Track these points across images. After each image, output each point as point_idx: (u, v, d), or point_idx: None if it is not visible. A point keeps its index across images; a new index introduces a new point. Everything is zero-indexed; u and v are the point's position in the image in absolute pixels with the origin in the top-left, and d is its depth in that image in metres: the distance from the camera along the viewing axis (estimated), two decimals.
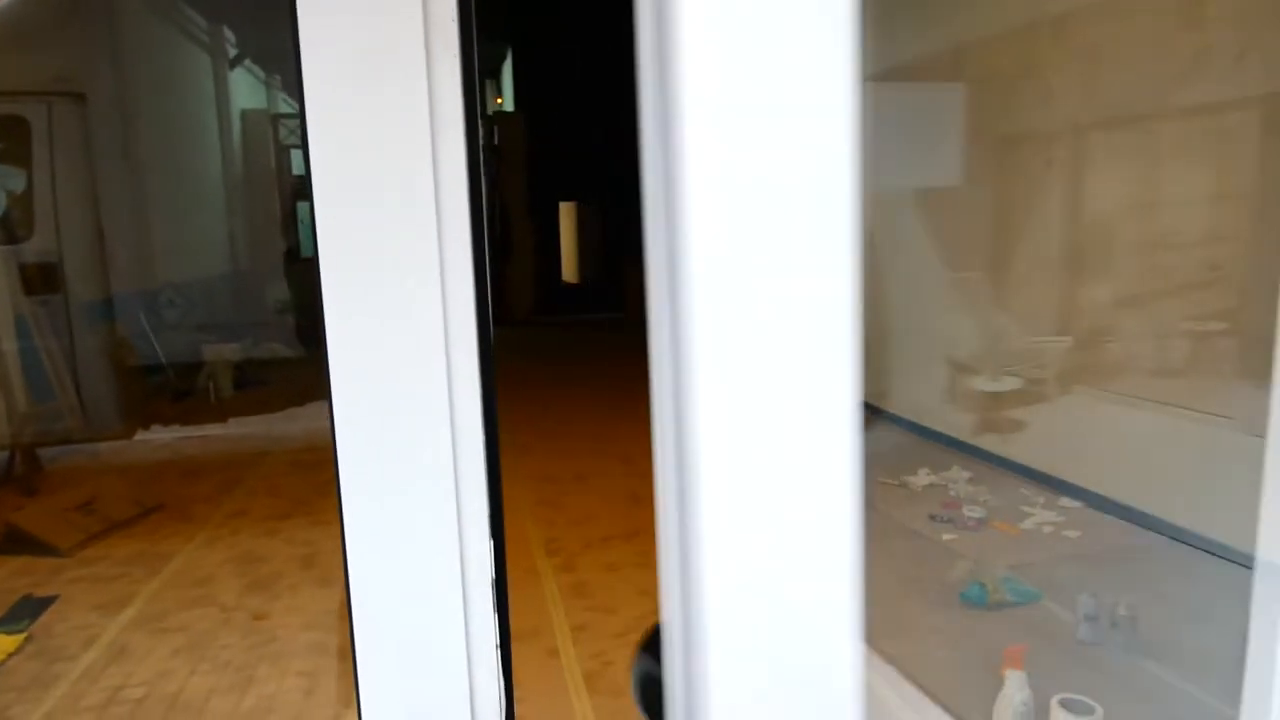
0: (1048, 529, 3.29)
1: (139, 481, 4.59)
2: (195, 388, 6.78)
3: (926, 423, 4.99)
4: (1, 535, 3.59)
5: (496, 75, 13.76)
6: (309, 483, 4.44)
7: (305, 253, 12.15)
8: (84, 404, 5.71)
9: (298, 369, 8.05)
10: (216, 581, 3.22)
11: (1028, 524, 3.33)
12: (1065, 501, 3.58)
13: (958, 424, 4.66)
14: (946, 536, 3.24)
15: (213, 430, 5.83)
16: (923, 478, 3.96)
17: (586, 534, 3.58)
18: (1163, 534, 3.21)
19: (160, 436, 5.60)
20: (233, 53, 10.27)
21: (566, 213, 12.89)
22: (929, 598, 2.83)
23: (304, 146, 1.01)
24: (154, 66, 7.76)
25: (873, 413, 5.49)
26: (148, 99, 7.46)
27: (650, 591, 2.98)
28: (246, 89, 11.70)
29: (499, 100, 13.72)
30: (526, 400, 6.50)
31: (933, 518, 3.44)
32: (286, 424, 5.90)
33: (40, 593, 3.20)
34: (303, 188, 11.63)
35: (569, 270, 13.56)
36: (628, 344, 9.53)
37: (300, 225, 12.37)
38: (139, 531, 3.79)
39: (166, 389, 7.03)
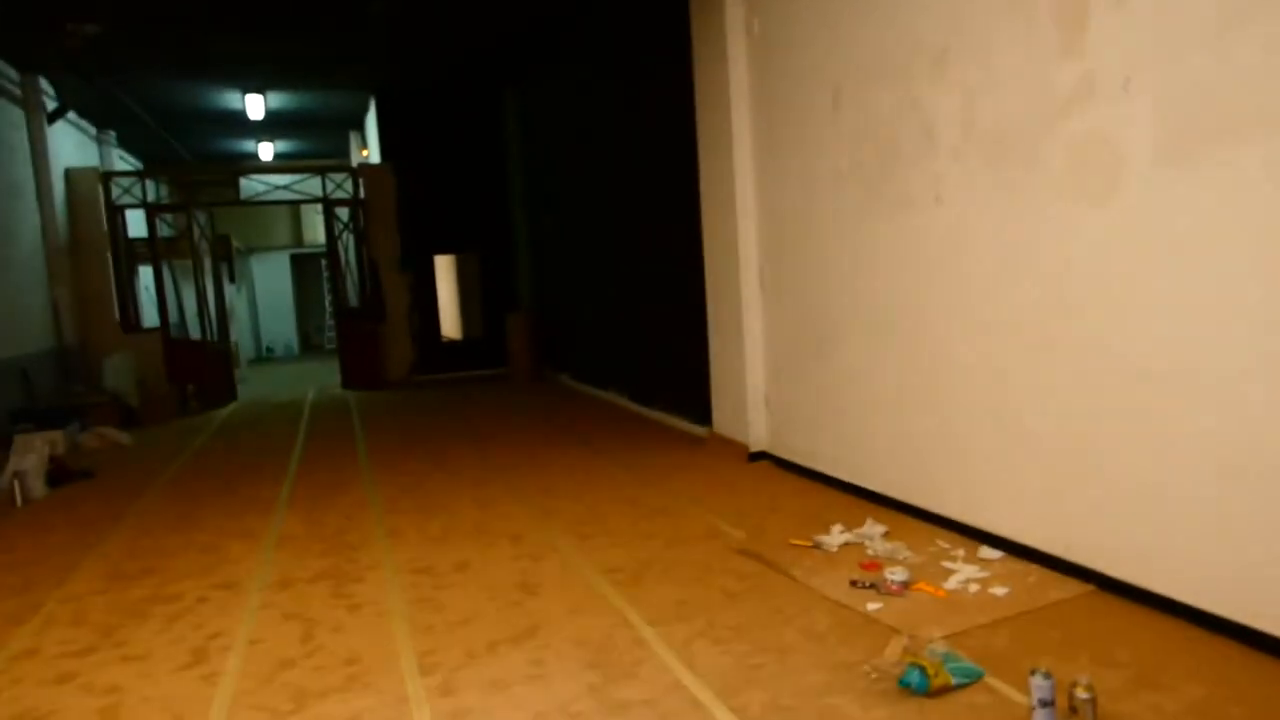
0: (974, 587, 3.03)
1: None
2: (2, 486, 5.73)
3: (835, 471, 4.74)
4: None
5: (360, 125, 13.11)
6: (121, 603, 3.67)
7: (148, 321, 10.98)
8: None
9: (131, 456, 7.04)
10: None
11: (952, 582, 3.07)
12: (985, 551, 3.36)
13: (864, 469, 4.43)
14: (871, 606, 2.92)
15: (15, 538, 4.86)
16: (837, 536, 3.67)
17: (470, 640, 3.04)
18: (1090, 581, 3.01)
19: None
20: (51, 106, 9.19)
21: (442, 266, 12.28)
22: (866, 687, 2.48)
23: None
24: None
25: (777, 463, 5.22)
26: None
27: (547, 716, 2.50)
28: (72, 146, 10.54)
29: (364, 152, 13.05)
30: (400, 474, 5.86)
31: (854, 584, 3.12)
32: (109, 525, 5.01)
33: None
34: (142, 251, 10.51)
35: (448, 326, 12.88)
36: (511, 401, 8.99)
37: (144, 291, 11.18)
38: None
39: None
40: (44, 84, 9.03)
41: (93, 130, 11.61)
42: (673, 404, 7.08)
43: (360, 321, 11.15)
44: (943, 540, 3.57)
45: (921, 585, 3.04)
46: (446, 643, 3.08)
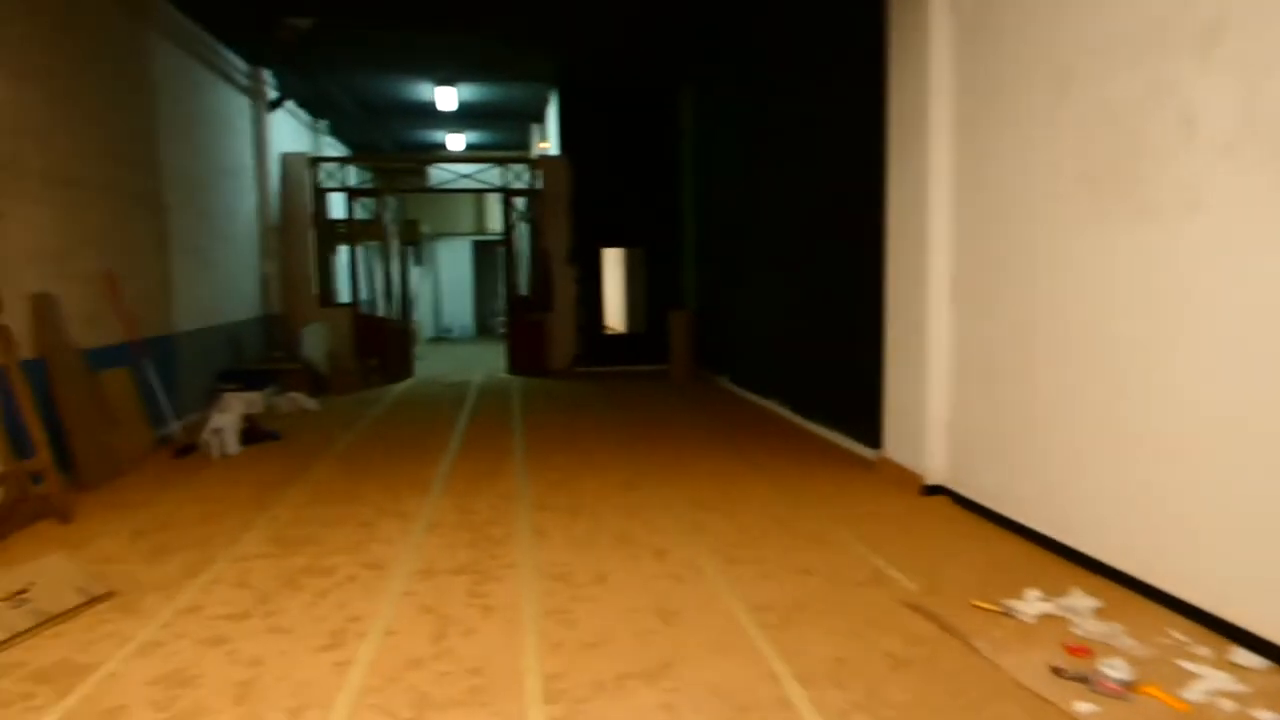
0: (1227, 704, 2.38)
1: (101, 557, 4.01)
2: (200, 442, 6.27)
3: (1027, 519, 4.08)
4: None
5: (542, 118, 13.44)
6: (281, 570, 3.80)
7: (340, 298, 11.86)
8: (75, 460, 5.22)
9: (314, 422, 7.53)
10: (125, 717, 2.55)
11: (1196, 692, 2.43)
12: (1241, 655, 2.66)
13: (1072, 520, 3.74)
14: (1082, 707, 2.37)
15: (205, 491, 5.25)
16: (1034, 604, 3.08)
17: (599, 667, 2.82)
18: None
19: (140, 497, 5.05)
20: (273, 96, 10.07)
21: (609, 260, 12.33)
22: None
23: None
24: (190, 107, 7.52)
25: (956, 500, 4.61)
26: (178, 139, 7.19)
27: None
28: (289, 133, 11.55)
29: (544, 144, 13.37)
30: (550, 468, 5.80)
31: (1057, 672, 2.57)
32: (283, 489, 5.30)
33: None
34: (341, 232, 11.35)
35: (612, 319, 12.95)
36: (667, 401, 8.78)
37: (339, 270, 12.10)
38: (73, 629, 3.18)
39: (171, 442, 6.55)
40: (267, 76, 9.90)
41: (308, 119, 12.68)
42: (838, 420, 6.56)
43: (529, 310, 11.41)
44: (1178, 631, 2.89)
45: (1150, 689, 2.44)
46: (575, 666, 2.86)
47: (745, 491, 5.16)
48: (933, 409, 4.89)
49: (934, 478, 4.90)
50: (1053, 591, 3.22)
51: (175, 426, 6.69)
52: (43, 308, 5.15)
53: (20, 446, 4.58)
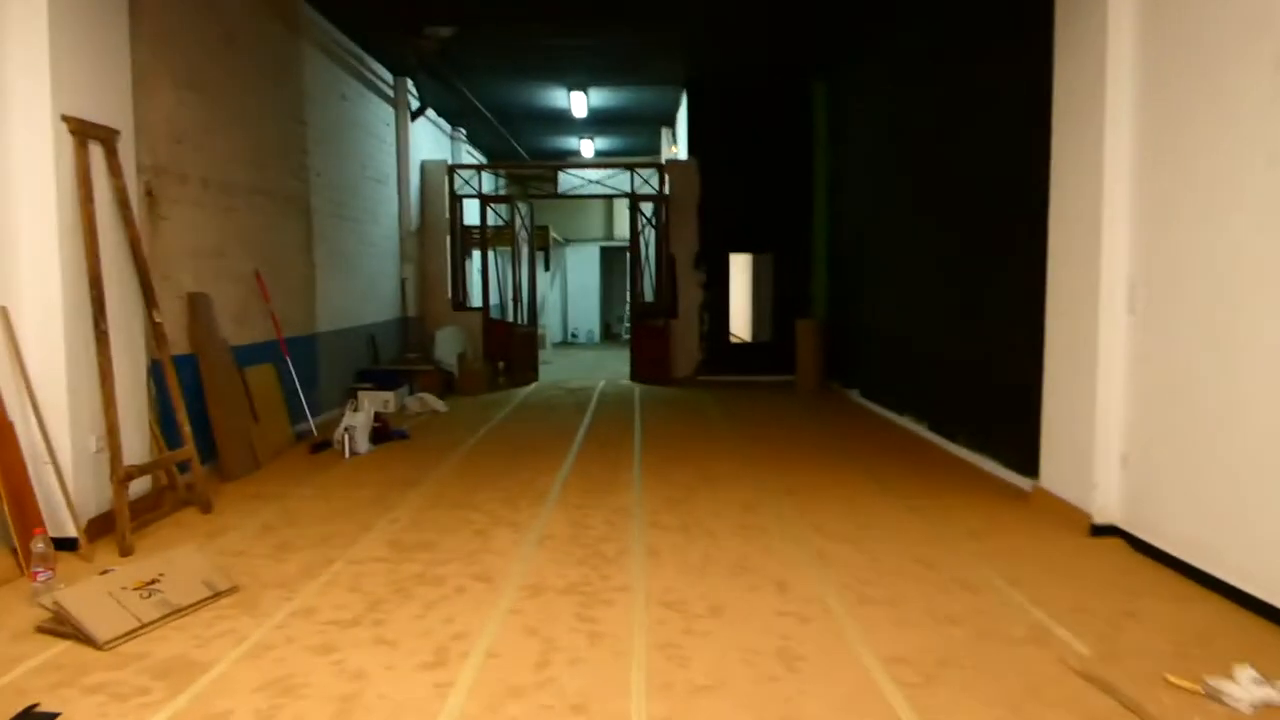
0: None
1: (231, 549, 4.14)
2: (334, 440, 6.49)
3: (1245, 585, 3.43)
4: (51, 613, 3.13)
5: (672, 122, 13.29)
6: (393, 577, 3.76)
7: (471, 302, 12.19)
8: (219, 452, 5.50)
9: (441, 424, 7.65)
10: None
11: None
12: None
13: None
14: None
15: (333, 489, 5.39)
16: (1249, 687, 2.51)
17: (710, 718, 2.54)
18: None
19: (274, 490, 5.24)
20: (414, 105, 10.46)
21: (736, 266, 11.99)
22: None
23: None
24: (338, 116, 7.89)
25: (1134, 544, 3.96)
26: (326, 146, 7.55)
27: None
28: (430, 140, 12.00)
29: (674, 148, 13.22)
30: (668, 484, 5.57)
31: None
32: (405, 490, 5.35)
33: (50, 704, 2.67)
34: (475, 237, 11.66)
35: (737, 327, 12.61)
36: (793, 414, 8.34)
37: (472, 275, 12.45)
38: (195, 624, 3.25)
39: (308, 438, 6.83)
40: (410, 85, 10.28)
41: (447, 128, 13.16)
42: (984, 442, 5.94)
43: (653, 316, 11.27)
44: None
45: None
46: (686, 712, 2.59)
47: (878, 519, 4.71)
48: (1104, 435, 4.27)
49: (1105, 516, 4.27)
50: (1273, 671, 2.62)
51: (313, 422, 6.97)
52: (197, 306, 5.46)
53: (171, 438, 4.85)
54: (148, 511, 4.57)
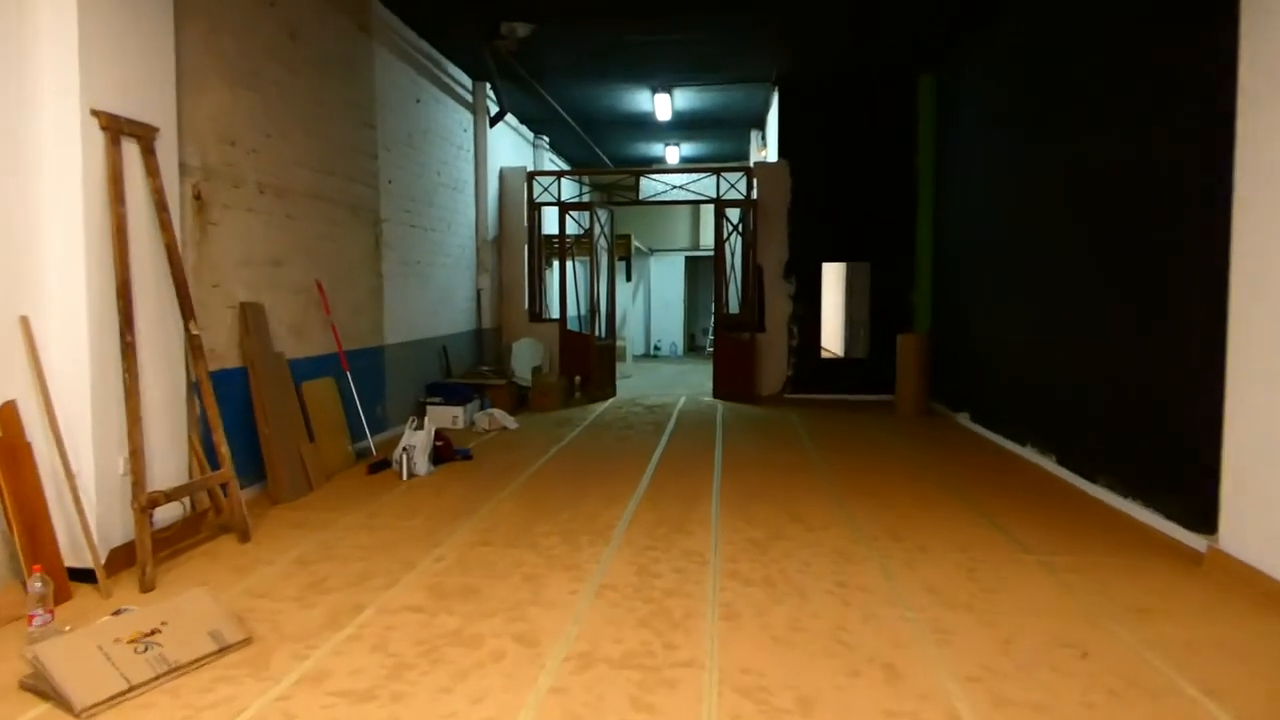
0: None
1: (257, 589, 3.72)
2: (391, 460, 6.11)
3: None
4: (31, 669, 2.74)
5: (761, 124, 12.58)
6: (425, 634, 3.24)
7: (548, 313, 11.79)
8: (269, 473, 5.18)
9: (509, 442, 7.17)
10: None
11: None
12: None
13: None
14: None
15: (381, 517, 4.96)
16: None
17: None
18: None
19: (320, 517, 4.85)
20: (493, 110, 10.15)
21: (828, 276, 11.15)
22: None
23: None
24: (412, 121, 7.61)
25: None
26: (398, 152, 7.25)
27: None
28: (510, 148, 11.71)
29: (763, 151, 12.50)
30: (750, 522, 4.88)
31: None
32: (458, 522, 4.87)
33: None
34: (554, 246, 11.26)
35: (829, 341, 11.74)
36: (893, 441, 7.46)
37: (551, 285, 12.07)
38: (190, 687, 2.81)
39: (368, 456, 6.49)
40: (489, 90, 9.98)
41: (530, 135, 12.87)
42: (1135, 485, 4.98)
43: (738, 329, 10.57)
44: None
45: None
46: None
47: (1006, 580, 3.89)
48: None
49: None
50: None
51: (372, 441, 6.63)
52: (249, 316, 5.16)
53: (213, 460, 4.52)
54: (184, 538, 4.23)
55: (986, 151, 7.97)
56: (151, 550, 3.65)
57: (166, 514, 4.07)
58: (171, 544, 4.13)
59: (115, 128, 3.72)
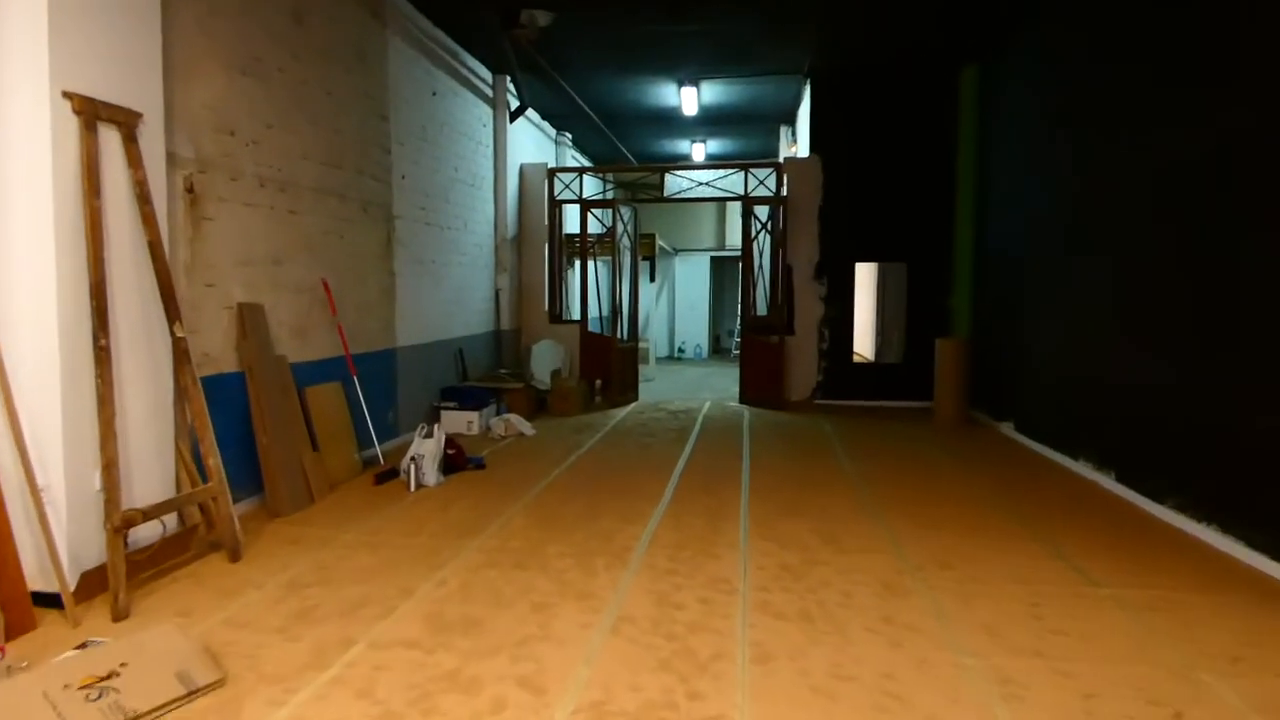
0: None
1: (239, 619, 3.39)
2: (400, 469, 5.78)
3: None
4: None
5: (791, 119, 12.12)
6: (418, 676, 2.88)
7: (568, 314, 11.44)
8: (267, 484, 4.87)
9: (525, 450, 6.79)
10: None
11: None
12: None
13: None
14: None
15: (383, 534, 4.63)
16: None
17: None
18: None
19: (319, 533, 4.52)
20: (514, 104, 9.82)
21: (861, 276, 10.67)
22: None
23: None
24: (428, 114, 7.28)
25: None
26: (413, 146, 6.92)
27: None
28: (532, 145, 11.39)
29: (793, 147, 12.04)
30: (783, 544, 4.47)
31: None
32: (465, 540, 4.51)
33: None
34: (575, 245, 10.91)
35: (861, 345, 11.25)
36: (934, 453, 6.98)
37: (572, 285, 11.71)
38: None
39: (376, 465, 6.17)
40: (509, 84, 9.65)
41: (552, 132, 12.53)
42: (1209, 508, 4.50)
43: (766, 332, 10.13)
44: None
45: None
46: None
47: (1074, 619, 3.44)
48: None
49: None
50: None
51: (380, 449, 6.30)
52: (248, 318, 4.85)
53: (205, 472, 4.21)
54: (170, 556, 3.92)
55: (1042, 147, 7.46)
56: (125, 574, 3.33)
57: (148, 532, 3.76)
58: (156, 563, 3.81)
59: (91, 112, 3.41)
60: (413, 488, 5.58)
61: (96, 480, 3.49)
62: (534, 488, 5.73)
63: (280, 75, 5.25)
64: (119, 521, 3.32)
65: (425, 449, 5.72)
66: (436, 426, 5.90)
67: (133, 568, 3.53)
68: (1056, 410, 6.82)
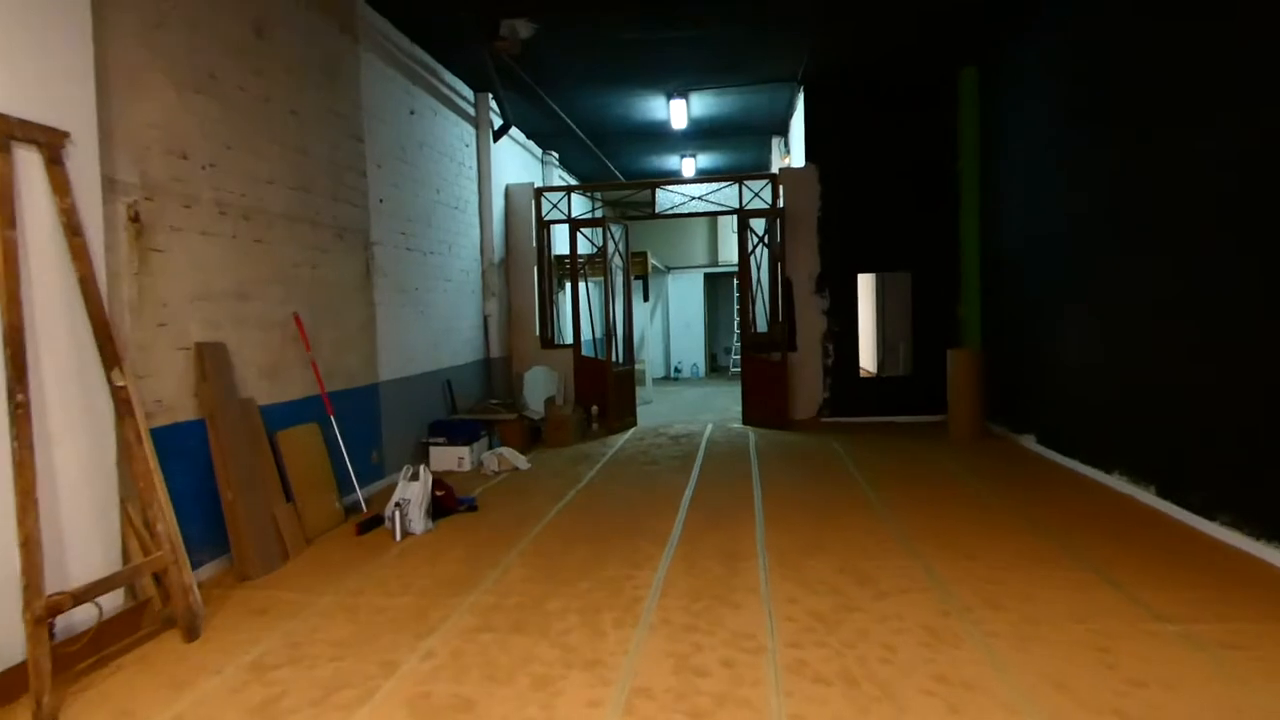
0: None
1: (191, 718, 2.90)
2: (384, 516, 5.30)
3: None
4: None
5: (784, 130, 11.78)
6: None
7: (561, 339, 11.01)
8: (233, 544, 4.38)
9: (520, 487, 6.26)
10: None
11: None
12: None
13: None
14: None
15: (364, 596, 4.15)
16: None
17: None
18: None
19: (293, 597, 4.04)
20: (497, 122, 9.44)
21: (861, 288, 10.28)
22: None
23: None
24: (407, 134, 6.87)
25: None
26: (391, 168, 6.50)
27: None
28: (518, 165, 11.00)
29: (786, 159, 11.69)
30: (809, 587, 4.02)
31: None
32: (457, 597, 4.04)
33: None
34: (566, 267, 10.49)
35: (864, 358, 10.84)
36: (956, 470, 6.53)
37: (557, 309, 11.28)
38: None
39: (359, 512, 5.69)
40: (491, 102, 9.27)
41: (538, 151, 12.16)
42: (1271, 525, 4.06)
43: (767, 349, 9.71)
44: None
45: None
46: None
47: (1152, 668, 2.99)
48: None
49: None
50: None
51: (362, 494, 5.82)
52: (208, 359, 4.39)
53: (188, 531, 3.72)
54: (118, 638, 3.43)
55: (1064, 146, 7.11)
56: (53, 670, 2.84)
57: (86, 614, 3.26)
58: (98, 647, 3.32)
59: (3, 130, 2.97)
60: (398, 537, 5.09)
61: (18, 560, 3.01)
62: (531, 530, 5.25)
63: (240, 94, 4.83)
64: (41, 610, 2.83)
65: (410, 493, 5.24)
66: (422, 468, 5.42)
67: (67, 659, 3.04)
68: (1086, 421, 6.39)
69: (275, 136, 5.18)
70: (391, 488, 6.02)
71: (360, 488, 5.77)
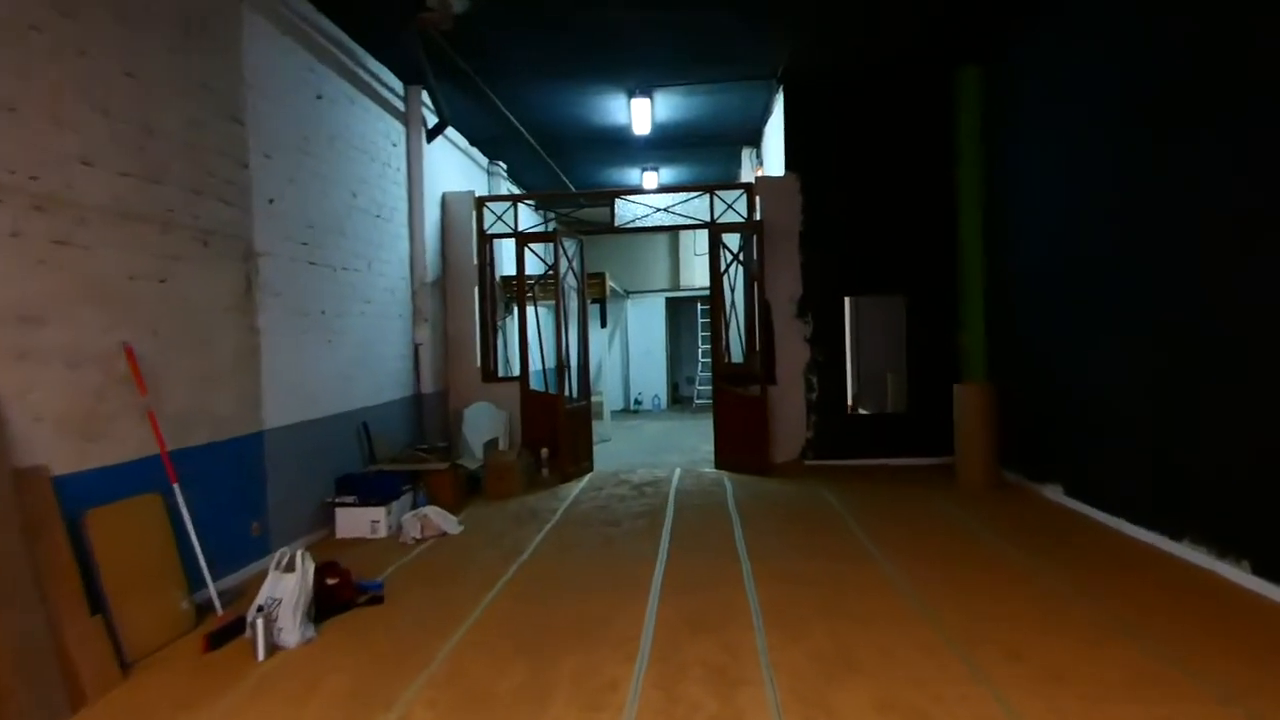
0: None
1: None
2: (248, 622, 3.85)
3: None
4: None
5: (756, 141, 10.70)
6: None
7: (506, 371, 9.65)
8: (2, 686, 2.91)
9: (444, 561, 4.77)
10: None
11: None
12: None
13: None
14: None
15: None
16: None
17: None
18: None
19: None
20: (432, 121, 8.12)
21: (855, 313, 9.18)
22: None
23: None
24: (311, 125, 5.47)
25: None
26: (287, 164, 5.09)
27: None
28: (460, 175, 9.69)
29: (758, 170, 10.60)
30: (834, 714, 2.75)
31: None
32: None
33: None
34: (512, 288, 9.11)
35: (860, 394, 9.70)
36: (977, 529, 5.31)
37: (502, 336, 9.95)
38: None
39: (212, 616, 4.24)
40: (425, 97, 7.97)
41: (483, 160, 10.87)
42: None
43: (743, 382, 8.49)
44: None
45: None
46: None
47: None
48: None
49: None
50: None
51: (215, 590, 4.35)
52: None
53: None
54: None
55: (1050, 153, 6.07)
56: None
57: None
58: None
59: None
60: (260, 654, 3.66)
61: None
62: (451, 637, 3.87)
63: (37, 36, 3.45)
64: None
65: (282, 589, 3.82)
66: (300, 554, 4.00)
67: None
68: (1137, 472, 5.27)
69: (97, 102, 3.79)
70: (258, 581, 4.56)
71: (210, 583, 4.28)
